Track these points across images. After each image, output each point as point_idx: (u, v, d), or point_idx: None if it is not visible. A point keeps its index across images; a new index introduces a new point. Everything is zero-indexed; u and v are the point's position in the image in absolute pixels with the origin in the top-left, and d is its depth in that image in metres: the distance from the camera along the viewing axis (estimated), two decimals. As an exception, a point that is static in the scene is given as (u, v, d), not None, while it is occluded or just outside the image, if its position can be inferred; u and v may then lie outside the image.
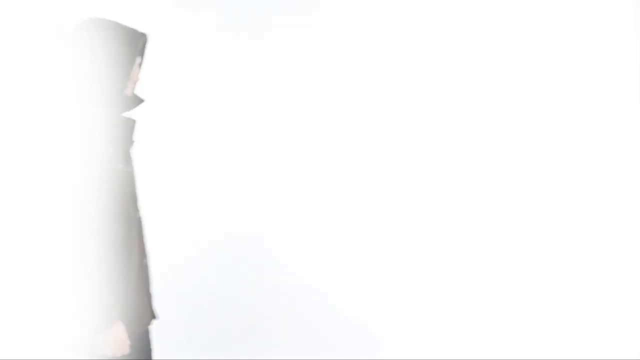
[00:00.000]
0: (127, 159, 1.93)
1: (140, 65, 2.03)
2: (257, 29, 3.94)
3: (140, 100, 1.98)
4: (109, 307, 1.88)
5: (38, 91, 2.05)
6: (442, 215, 4.02)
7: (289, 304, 3.38)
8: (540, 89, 4.00)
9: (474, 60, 4.03)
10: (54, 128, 2.03)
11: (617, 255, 3.93)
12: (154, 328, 3.83)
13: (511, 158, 4.04)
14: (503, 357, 3.81)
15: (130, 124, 1.91)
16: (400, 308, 3.90)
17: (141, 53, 2.01)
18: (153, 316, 1.98)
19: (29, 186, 2.09)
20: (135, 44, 1.95)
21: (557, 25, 4.00)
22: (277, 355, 2.50)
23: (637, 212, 3.94)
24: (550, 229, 3.97)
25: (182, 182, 4.08)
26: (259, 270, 3.56)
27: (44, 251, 2.05)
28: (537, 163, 4.01)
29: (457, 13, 4.03)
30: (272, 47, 2.57)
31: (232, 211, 3.36)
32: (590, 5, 3.98)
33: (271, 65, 2.52)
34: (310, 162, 4.04)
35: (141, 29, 2.14)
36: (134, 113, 2.41)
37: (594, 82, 3.98)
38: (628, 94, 3.98)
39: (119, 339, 1.89)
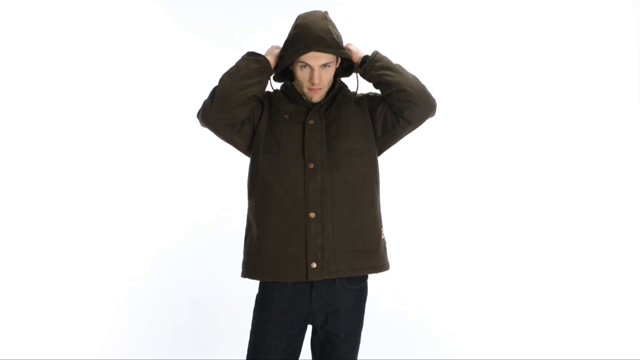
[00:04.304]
0: None
1: None
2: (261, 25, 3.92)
3: None
4: None
5: None
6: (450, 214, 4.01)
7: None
8: (540, 88, 4.00)
9: (473, 60, 4.02)
10: None
11: (619, 256, 3.93)
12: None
13: (513, 158, 4.03)
14: (509, 357, 3.82)
15: None
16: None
17: None
18: None
19: None
20: None
21: (558, 25, 3.99)
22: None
23: (638, 212, 3.94)
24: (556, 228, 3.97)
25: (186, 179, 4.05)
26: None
27: None
28: (538, 163, 4.00)
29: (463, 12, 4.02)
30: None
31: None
32: (590, 5, 3.98)
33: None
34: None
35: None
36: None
37: (595, 82, 3.98)
38: (628, 94, 3.98)
39: None
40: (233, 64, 2.39)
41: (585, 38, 3.98)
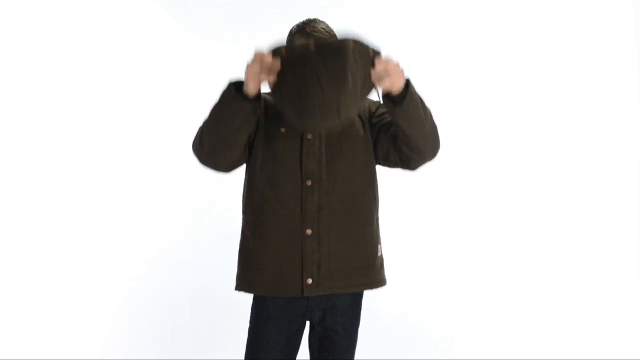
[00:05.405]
0: None
1: None
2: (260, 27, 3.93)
3: None
4: None
5: None
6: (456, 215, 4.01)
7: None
8: (540, 89, 4.00)
9: (472, 61, 4.02)
10: None
11: (619, 256, 3.93)
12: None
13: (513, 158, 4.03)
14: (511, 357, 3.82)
15: None
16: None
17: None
18: None
19: None
20: None
21: (558, 25, 4.00)
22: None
23: (638, 212, 3.94)
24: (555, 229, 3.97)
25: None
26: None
27: None
28: (538, 163, 4.00)
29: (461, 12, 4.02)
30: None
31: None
32: (590, 5, 3.98)
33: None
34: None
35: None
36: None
37: (595, 82, 3.98)
38: (628, 94, 3.98)
39: None
40: (214, 105, 2.27)
41: (585, 38, 3.98)
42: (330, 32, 2.35)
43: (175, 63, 3.94)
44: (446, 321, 3.90)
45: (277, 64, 2.14)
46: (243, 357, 2.46)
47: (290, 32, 2.38)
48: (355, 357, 2.52)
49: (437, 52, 3.99)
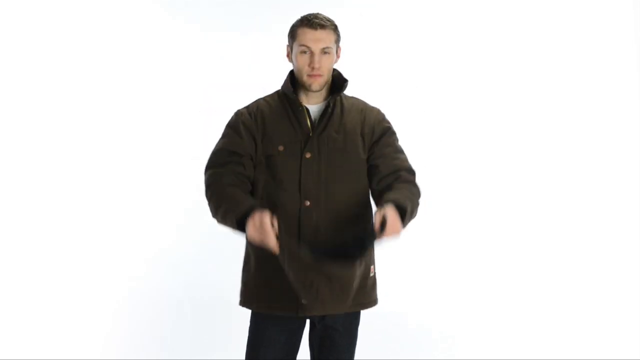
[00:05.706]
0: None
1: None
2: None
3: None
4: None
5: None
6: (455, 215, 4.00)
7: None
8: (541, 89, 4.00)
9: (472, 62, 4.02)
10: None
11: (619, 256, 3.93)
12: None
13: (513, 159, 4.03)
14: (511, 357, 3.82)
15: None
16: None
17: None
18: None
19: None
20: None
21: (558, 25, 3.99)
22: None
23: (638, 212, 3.94)
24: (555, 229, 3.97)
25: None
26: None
27: None
28: (538, 164, 4.00)
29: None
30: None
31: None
32: (590, 5, 3.97)
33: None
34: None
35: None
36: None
37: (595, 82, 3.97)
38: (628, 94, 3.97)
39: None
40: (222, 215, 2.36)
41: (586, 38, 3.98)
42: (330, 21, 2.36)
43: (173, 63, 3.93)
44: (446, 321, 3.90)
45: (276, 248, 2.15)
46: (243, 357, 2.47)
47: (294, 25, 2.37)
48: (355, 357, 2.53)
49: (437, 52, 3.98)
